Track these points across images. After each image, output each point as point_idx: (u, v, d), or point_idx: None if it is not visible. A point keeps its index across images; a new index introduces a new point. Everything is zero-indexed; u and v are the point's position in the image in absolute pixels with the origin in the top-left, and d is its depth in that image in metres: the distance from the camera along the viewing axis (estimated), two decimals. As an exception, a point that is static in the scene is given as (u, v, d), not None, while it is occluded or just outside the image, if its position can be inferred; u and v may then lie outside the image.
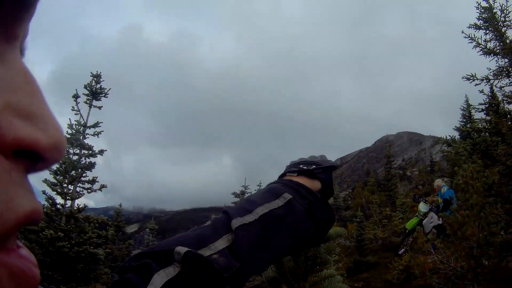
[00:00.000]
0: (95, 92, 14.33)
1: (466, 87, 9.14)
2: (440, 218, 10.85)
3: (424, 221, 12.03)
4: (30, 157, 0.41)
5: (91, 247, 12.11)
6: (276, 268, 2.85)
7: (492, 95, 8.56)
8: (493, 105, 8.22)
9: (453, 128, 8.94)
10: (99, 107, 14.36)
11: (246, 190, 19.75)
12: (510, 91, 8.46)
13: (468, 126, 8.90)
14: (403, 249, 12.36)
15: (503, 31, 8.60)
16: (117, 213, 22.62)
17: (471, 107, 9.55)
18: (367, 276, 11.78)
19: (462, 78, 9.04)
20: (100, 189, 13.70)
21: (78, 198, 13.16)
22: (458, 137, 17.23)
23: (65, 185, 12.97)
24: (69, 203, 12.98)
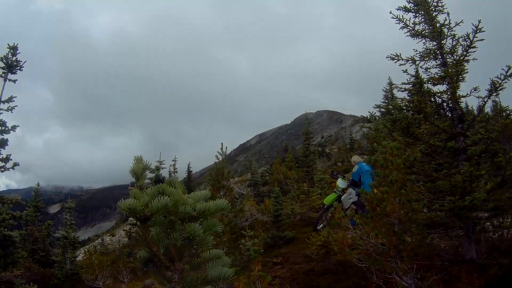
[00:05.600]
0: (10, 65, 13.40)
1: (389, 69, 9.23)
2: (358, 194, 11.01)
3: (342, 197, 12.16)
4: None
5: (6, 229, 11.38)
6: (148, 248, 2.42)
7: (416, 76, 8.64)
8: (416, 85, 8.27)
9: (373, 106, 8.96)
10: (14, 81, 13.48)
11: (161, 166, 19.27)
12: (436, 73, 8.57)
13: (389, 105, 8.87)
14: (321, 225, 12.46)
15: (434, 15, 8.67)
16: (35, 193, 21.71)
17: (393, 86, 9.60)
18: (285, 251, 11.74)
19: (387, 57, 9.04)
20: (13, 167, 12.94)
21: (-9, 177, 12.38)
22: (379, 114, 17.57)
23: (-24, 164, 12.14)
24: (-19, 184, 12.23)
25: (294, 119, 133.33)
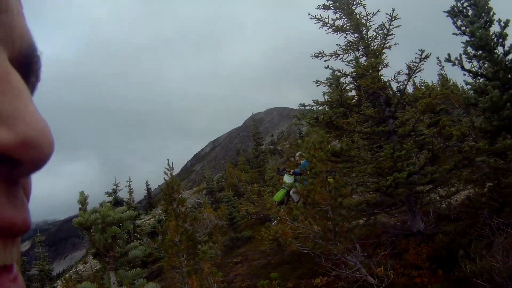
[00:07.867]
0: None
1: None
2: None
3: (291, 192, 12.73)
4: (6, 162, 0.36)
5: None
6: (94, 245, 4.29)
7: (334, 70, 9.21)
8: (337, 79, 8.81)
9: (298, 105, 9.41)
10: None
11: (117, 188, 19.21)
12: (361, 63, 9.07)
13: (313, 100, 9.38)
14: (275, 221, 13.04)
15: (353, 8, 9.28)
16: (1, 231, 21.60)
17: (318, 82, 10.03)
18: (244, 250, 12.25)
19: (311, 56, 9.50)
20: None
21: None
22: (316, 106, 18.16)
23: None
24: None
25: (245, 121, 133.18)
